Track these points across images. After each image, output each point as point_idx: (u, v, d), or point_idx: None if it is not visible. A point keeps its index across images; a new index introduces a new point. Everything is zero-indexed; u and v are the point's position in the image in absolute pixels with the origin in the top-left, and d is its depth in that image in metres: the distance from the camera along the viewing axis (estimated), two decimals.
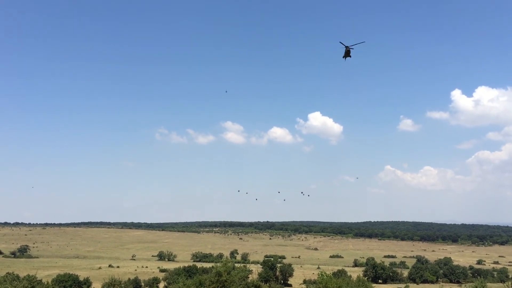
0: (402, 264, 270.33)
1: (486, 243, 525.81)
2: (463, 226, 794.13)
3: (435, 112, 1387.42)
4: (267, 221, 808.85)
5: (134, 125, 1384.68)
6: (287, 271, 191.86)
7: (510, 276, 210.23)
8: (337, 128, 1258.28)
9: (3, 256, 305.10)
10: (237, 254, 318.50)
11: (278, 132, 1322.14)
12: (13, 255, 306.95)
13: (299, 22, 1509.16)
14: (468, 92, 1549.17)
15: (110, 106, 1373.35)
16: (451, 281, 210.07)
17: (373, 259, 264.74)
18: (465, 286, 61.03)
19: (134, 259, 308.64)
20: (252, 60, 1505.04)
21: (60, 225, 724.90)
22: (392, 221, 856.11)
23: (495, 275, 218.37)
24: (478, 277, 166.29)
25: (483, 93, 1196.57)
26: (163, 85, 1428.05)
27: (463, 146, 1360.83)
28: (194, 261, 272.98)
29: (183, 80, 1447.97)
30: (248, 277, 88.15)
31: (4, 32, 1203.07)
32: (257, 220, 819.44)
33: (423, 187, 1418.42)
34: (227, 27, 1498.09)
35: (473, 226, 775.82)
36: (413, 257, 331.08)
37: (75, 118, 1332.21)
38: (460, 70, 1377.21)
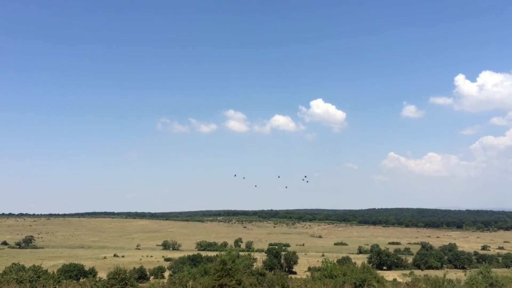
0: (407, 251, 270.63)
1: (491, 228, 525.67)
2: (468, 212, 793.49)
3: (439, 98, 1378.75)
4: (271, 210, 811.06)
5: (135, 115, 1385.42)
6: (292, 259, 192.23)
7: None
8: (339, 115, 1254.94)
9: (8, 247, 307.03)
10: (242, 242, 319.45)
11: (280, 120, 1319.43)
12: (18, 246, 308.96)
13: (300, 10, 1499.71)
14: (472, 77, 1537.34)
15: (111, 97, 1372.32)
16: (456, 267, 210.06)
17: (377, 246, 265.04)
18: (470, 271, 60.80)
19: (139, 249, 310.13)
20: (254, 48, 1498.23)
21: (64, 215, 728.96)
22: (397, 208, 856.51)
23: (500, 261, 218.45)
24: (483, 262, 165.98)
25: (487, 77, 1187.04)
26: (164, 75, 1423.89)
27: (467, 132, 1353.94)
28: (198, 250, 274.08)
29: (184, 69, 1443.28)
30: (253, 265, 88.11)
31: (6, 24, 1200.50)
32: (261, 209, 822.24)
33: (427, 173, 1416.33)
34: (228, 16, 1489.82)
35: (477, 212, 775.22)
36: (418, 243, 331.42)
37: (77, 109, 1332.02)
38: (464, 54, 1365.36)
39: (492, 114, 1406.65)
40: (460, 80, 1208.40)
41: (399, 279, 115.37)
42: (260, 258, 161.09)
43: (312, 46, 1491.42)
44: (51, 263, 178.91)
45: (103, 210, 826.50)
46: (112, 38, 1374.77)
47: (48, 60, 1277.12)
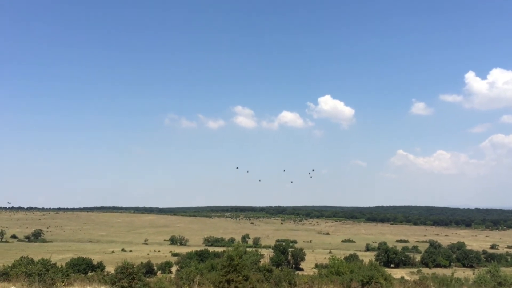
0: (415, 249, 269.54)
1: (500, 227, 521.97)
2: (477, 210, 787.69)
3: (448, 95, 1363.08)
4: (279, 206, 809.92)
5: (143, 111, 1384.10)
6: (299, 256, 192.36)
7: None
8: (348, 111, 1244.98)
9: (17, 240, 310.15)
10: (249, 238, 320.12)
11: (288, 117, 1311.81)
12: (27, 239, 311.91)
13: (308, 6, 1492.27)
14: (482, 74, 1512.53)
15: (119, 92, 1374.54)
16: (464, 266, 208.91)
17: (385, 243, 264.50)
18: (479, 270, 60.73)
19: (147, 244, 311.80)
20: (262, 44, 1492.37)
21: (73, 209, 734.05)
22: (405, 205, 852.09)
23: (509, 260, 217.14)
24: (492, 261, 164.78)
25: (498, 75, 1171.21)
26: (171, 70, 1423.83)
27: (477, 130, 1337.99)
28: (206, 245, 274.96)
29: (192, 65, 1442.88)
30: (260, 261, 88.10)
31: (15, 18, 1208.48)
32: (268, 205, 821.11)
33: (436, 171, 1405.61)
34: (236, 12, 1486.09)
35: (487, 211, 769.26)
36: (426, 241, 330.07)
37: (84, 104, 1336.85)
38: (474, 51, 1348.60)
39: (502, 112, 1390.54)
40: (470, 77, 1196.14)
41: (407, 277, 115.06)
42: (267, 254, 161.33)
43: (320, 42, 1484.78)
44: (60, 256, 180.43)
45: (111, 205, 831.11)
46: (120, 34, 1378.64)
47: (56, 56, 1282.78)
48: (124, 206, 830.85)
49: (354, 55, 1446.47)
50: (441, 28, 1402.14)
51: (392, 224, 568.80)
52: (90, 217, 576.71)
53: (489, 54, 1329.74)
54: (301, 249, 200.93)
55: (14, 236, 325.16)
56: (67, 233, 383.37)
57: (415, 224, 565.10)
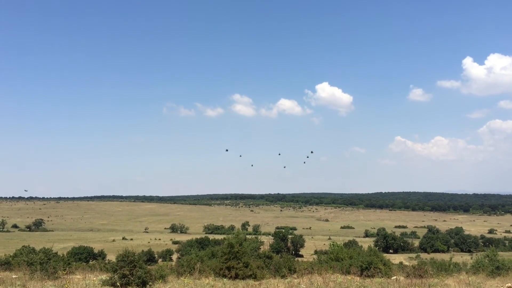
0: (413, 234, 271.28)
1: (498, 212, 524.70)
2: (475, 195, 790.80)
3: (446, 81, 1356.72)
4: (278, 193, 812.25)
5: (141, 99, 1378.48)
6: (299, 242, 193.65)
7: None
8: (346, 98, 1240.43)
9: (18, 230, 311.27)
10: (249, 226, 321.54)
11: (286, 104, 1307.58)
12: (28, 229, 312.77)
13: None
14: (480, 60, 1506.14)
15: (118, 81, 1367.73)
16: (462, 250, 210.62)
17: (384, 229, 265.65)
18: (477, 255, 61.26)
19: (147, 232, 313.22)
20: (259, 32, 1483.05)
21: (73, 199, 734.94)
22: (403, 191, 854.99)
23: (507, 244, 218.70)
24: (490, 246, 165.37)
25: (496, 60, 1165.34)
26: (169, 58, 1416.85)
27: (475, 115, 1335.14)
28: (206, 233, 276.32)
29: (189, 53, 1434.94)
30: (260, 248, 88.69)
31: (16, 9, 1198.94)
32: (268, 192, 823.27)
33: (434, 157, 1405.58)
34: (233, 0, 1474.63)
35: (484, 196, 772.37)
36: (424, 227, 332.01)
37: (84, 93, 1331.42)
38: (472, 37, 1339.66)
39: (500, 97, 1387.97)
40: (468, 63, 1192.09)
41: (405, 262, 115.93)
42: (267, 241, 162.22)
43: (317, 29, 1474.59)
44: (61, 245, 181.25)
45: (111, 194, 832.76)
46: (117, 22, 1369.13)
47: (56, 46, 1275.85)
48: (124, 195, 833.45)
49: (351, 42, 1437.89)
50: (439, 14, 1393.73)
51: (391, 210, 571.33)
52: (91, 206, 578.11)
53: (487, 39, 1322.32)
54: (301, 236, 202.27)
55: (15, 226, 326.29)
56: (68, 222, 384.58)
57: (413, 210, 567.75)
